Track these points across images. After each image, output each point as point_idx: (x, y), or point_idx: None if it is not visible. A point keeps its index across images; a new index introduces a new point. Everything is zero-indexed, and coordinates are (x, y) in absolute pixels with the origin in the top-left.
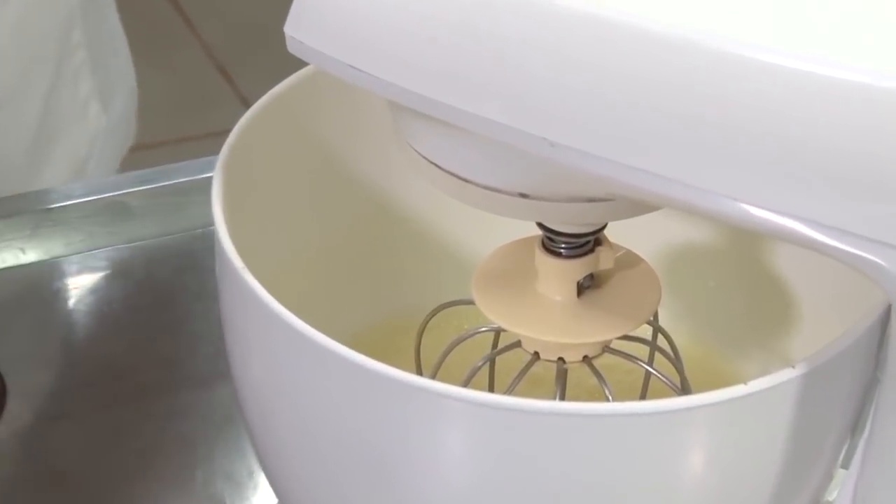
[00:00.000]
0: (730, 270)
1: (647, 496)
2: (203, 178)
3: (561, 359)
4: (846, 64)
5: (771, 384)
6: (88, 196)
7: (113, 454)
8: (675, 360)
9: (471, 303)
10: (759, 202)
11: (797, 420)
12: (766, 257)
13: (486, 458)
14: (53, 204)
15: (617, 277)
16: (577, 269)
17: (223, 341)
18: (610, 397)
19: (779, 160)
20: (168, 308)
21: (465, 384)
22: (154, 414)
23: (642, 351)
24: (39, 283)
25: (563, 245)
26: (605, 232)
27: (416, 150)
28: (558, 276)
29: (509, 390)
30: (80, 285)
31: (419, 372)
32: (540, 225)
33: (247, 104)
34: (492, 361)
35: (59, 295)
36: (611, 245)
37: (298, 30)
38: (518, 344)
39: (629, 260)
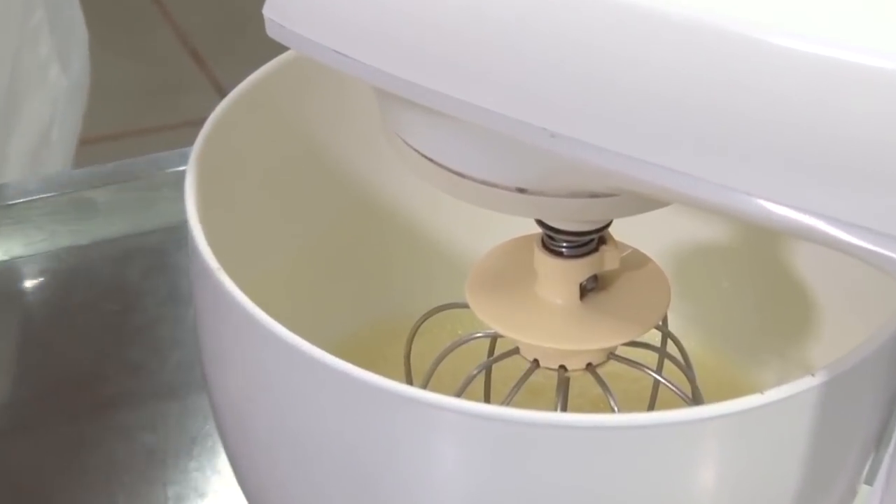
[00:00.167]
0: (744, 271)
1: None
2: (175, 171)
3: (562, 367)
4: (870, 49)
5: (789, 393)
6: (51, 191)
7: (75, 470)
8: (686, 368)
9: (465, 306)
10: (776, 197)
11: (817, 432)
12: (784, 256)
13: (482, 474)
14: (13, 200)
15: (623, 279)
16: (579, 269)
17: (197, 348)
18: (615, 408)
19: (797, 152)
20: (137, 312)
21: (459, 394)
22: (121, 427)
23: (650, 358)
24: None
25: (564, 244)
26: (610, 230)
27: (406, 143)
28: (559, 277)
29: (507, 401)
30: (41, 288)
31: (409, 381)
32: (539, 222)
33: (222, 92)
34: (488, 370)
35: (18, 298)
36: (616, 244)
37: (278, 12)
38: (516, 351)
39: (636, 260)
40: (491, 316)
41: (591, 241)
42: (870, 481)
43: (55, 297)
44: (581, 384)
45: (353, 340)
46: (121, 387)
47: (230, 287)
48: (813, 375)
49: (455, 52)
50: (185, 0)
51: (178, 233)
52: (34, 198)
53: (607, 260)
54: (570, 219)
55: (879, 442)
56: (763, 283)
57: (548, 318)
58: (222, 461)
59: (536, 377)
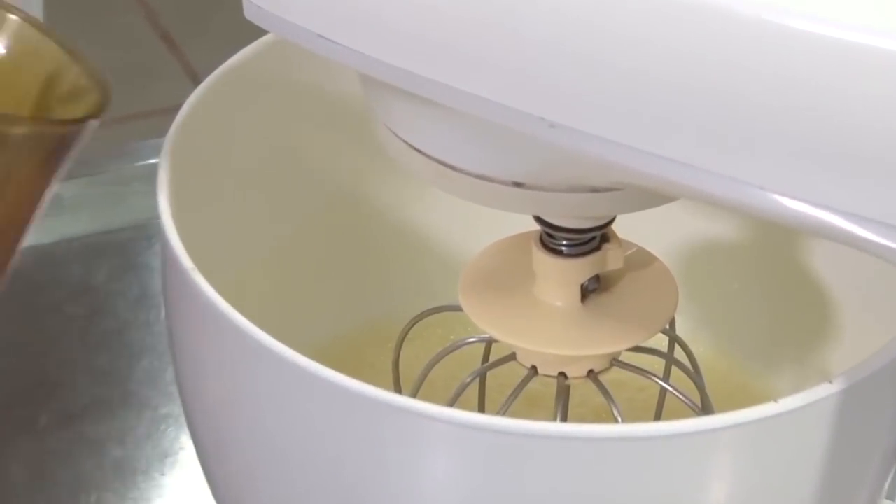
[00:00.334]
0: (756, 271)
1: None
2: (147, 164)
3: (562, 374)
4: (893, 32)
5: (805, 402)
6: None
7: (39, 486)
8: (695, 375)
9: (458, 309)
10: (790, 191)
11: (835, 443)
12: (800, 255)
13: (476, 488)
14: None
15: (627, 279)
16: (580, 269)
17: (170, 354)
18: (619, 418)
19: (813, 141)
20: (105, 316)
21: (452, 403)
22: (88, 439)
23: (657, 364)
24: None
25: (564, 242)
26: (613, 226)
27: (394, 134)
28: (559, 277)
29: (503, 410)
30: (2, 289)
31: (398, 390)
32: (537, 219)
33: (196, 78)
34: (482, 377)
35: None
36: (620, 242)
37: None
38: (512, 357)
39: (641, 259)
40: (485, 319)
41: (592, 239)
42: (892, 496)
43: (18, 299)
44: (582, 393)
45: (337, 345)
46: (88, 396)
47: (205, 289)
48: (830, 382)
49: (447, 36)
50: None
51: (150, 230)
52: None
53: (610, 259)
54: (571, 215)
55: None
56: (776, 283)
57: (546, 322)
58: (197, 476)
59: (534, 385)
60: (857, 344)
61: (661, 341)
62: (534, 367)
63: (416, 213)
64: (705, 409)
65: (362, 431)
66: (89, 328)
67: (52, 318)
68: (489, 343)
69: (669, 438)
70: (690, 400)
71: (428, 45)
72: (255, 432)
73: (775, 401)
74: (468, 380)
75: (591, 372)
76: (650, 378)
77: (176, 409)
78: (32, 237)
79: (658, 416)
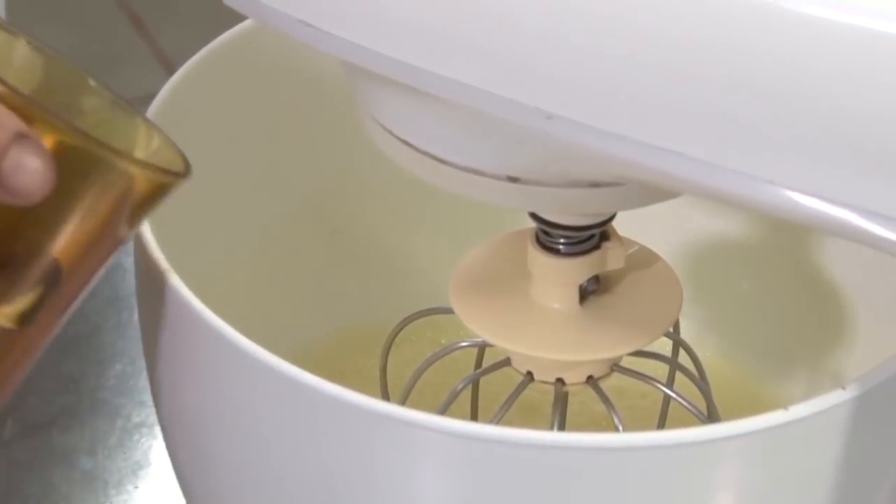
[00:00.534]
0: (766, 271)
1: None
2: None
3: (560, 380)
4: None
5: (816, 409)
6: None
7: (6, 499)
8: (700, 381)
9: (449, 311)
10: (803, 186)
11: (848, 453)
12: (812, 254)
13: (469, 500)
14: None
15: (628, 280)
16: (579, 269)
17: (143, 359)
18: (620, 427)
19: (828, 133)
20: (74, 318)
21: (443, 412)
22: (57, 449)
23: (660, 370)
24: None
25: (561, 240)
26: (614, 223)
27: (382, 126)
28: (556, 278)
29: (496, 419)
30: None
31: (386, 397)
32: (533, 215)
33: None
34: (475, 384)
35: None
36: (620, 240)
37: None
38: (507, 362)
39: (643, 258)
40: (478, 322)
41: (591, 237)
42: None
43: None
44: (581, 400)
45: (321, 351)
46: (56, 404)
47: (182, 290)
48: (844, 388)
49: (438, 22)
50: None
51: None
52: None
53: (610, 258)
54: (568, 211)
55: None
56: (787, 284)
57: (543, 325)
58: (173, 488)
59: (530, 392)
60: (872, 347)
61: (664, 345)
62: (529, 373)
63: (404, 209)
64: (711, 417)
65: (349, 441)
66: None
67: None
68: (482, 347)
69: (673, 448)
70: (695, 407)
71: (417, 31)
72: (235, 443)
73: (785, 408)
74: (460, 386)
75: (590, 378)
76: (653, 384)
77: (150, 417)
78: None
79: (661, 425)
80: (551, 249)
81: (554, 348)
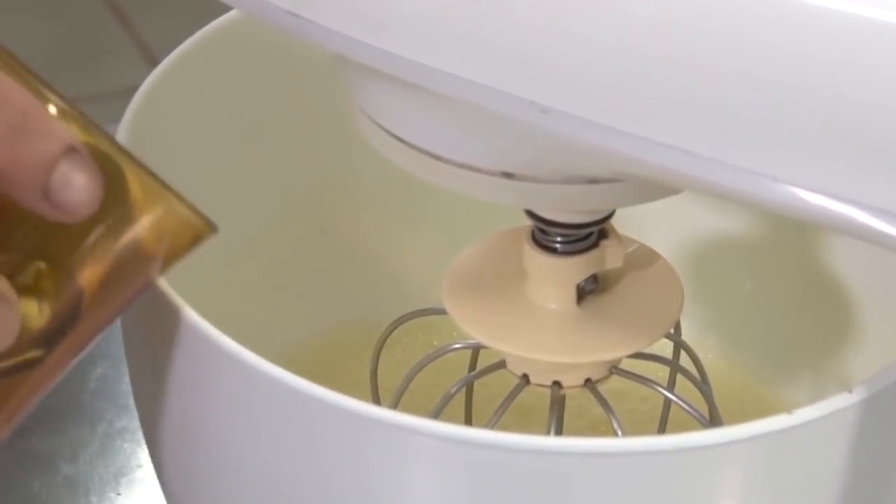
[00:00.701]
0: (770, 270)
1: None
2: None
3: (556, 383)
4: None
5: (822, 413)
6: None
7: None
8: (702, 384)
9: (442, 312)
10: (808, 182)
11: (855, 457)
12: (817, 252)
13: None
14: None
15: (627, 280)
16: (576, 268)
17: (124, 362)
18: (619, 431)
19: (834, 127)
20: None
21: (436, 416)
22: (36, 455)
23: (660, 372)
24: None
25: (558, 238)
26: (612, 221)
27: (373, 121)
28: (553, 277)
29: (491, 423)
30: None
31: (377, 400)
32: (530, 213)
33: (152, 58)
34: (469, 387)
35: None
36: (619, 238)
37: None
38: (502, 364)
39: (643, 257)
40: (472, 323)
41: (589, 235)
42: None
43: None
44: (579, 403)
45: (310, 352)
46: (35, 409)
47: (165, 290)
48: (850, 392)
49: (430, 14)
50: None
51: None
52: None
53: (609, 257)
54: (565, 208)
55: None
56: (792, 284)
57: (539, 326)
58: (156, 496)
59: (526, 395)
60: (880, 349)
61: (665, 347)
62: (525, 376)
63: (395, 206)
64: (713, 421)
65: (340, 446)
66: None
67: None
68: (476, 349)
69: (674, 454)
70: (697, 411)
71: (408, 22)
72: (222, 449)
73: (789, 412)
74: (454, 389)
75: (588, 381)
76: (653, 387)
77: (133, 422)
78: None
79: (662, 429)
80: (548, 248)
81: (550, 350)
